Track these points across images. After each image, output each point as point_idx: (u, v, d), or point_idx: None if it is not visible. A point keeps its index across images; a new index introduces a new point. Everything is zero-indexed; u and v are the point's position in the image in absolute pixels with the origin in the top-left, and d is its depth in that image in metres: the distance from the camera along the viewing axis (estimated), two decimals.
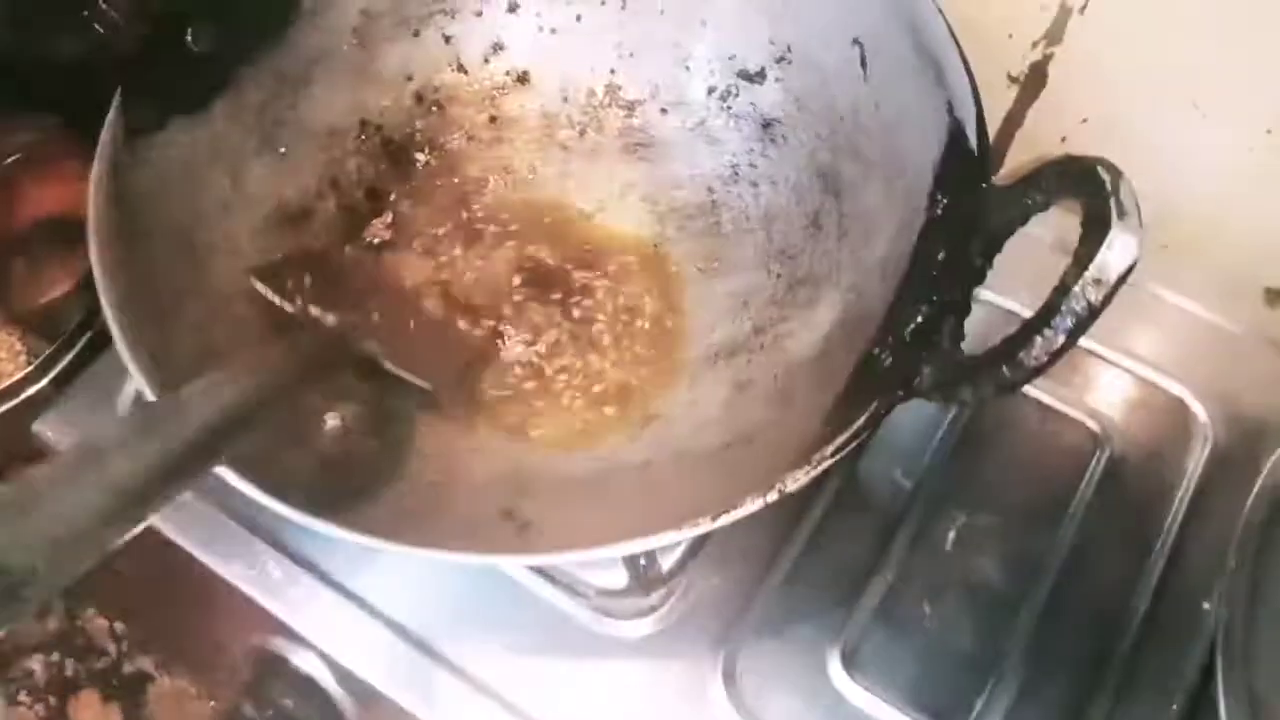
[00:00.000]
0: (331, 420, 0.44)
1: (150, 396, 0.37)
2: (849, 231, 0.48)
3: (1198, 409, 0.54)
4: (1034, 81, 0.60)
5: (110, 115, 0.42)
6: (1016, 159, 0.63)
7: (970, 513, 0.51)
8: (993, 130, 0.63)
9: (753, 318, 0.50)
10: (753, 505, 0.35)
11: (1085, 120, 0.59)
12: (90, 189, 0.41)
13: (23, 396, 0.65)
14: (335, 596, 0.49)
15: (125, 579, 0.66)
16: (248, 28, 0.48)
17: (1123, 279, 0.32)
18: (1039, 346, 0.32)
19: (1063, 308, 0.32)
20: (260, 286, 0.46)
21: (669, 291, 0.53)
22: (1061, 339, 0.32)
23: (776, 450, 0.40)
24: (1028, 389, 0.55)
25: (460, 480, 0.45)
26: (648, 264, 0.54)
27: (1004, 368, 0.33)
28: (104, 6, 0.48)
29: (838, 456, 0.35)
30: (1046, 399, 0.55)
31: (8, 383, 0.72)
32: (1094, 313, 0.32)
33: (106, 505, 0.29)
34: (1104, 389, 0.56)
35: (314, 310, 0.45)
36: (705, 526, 0.35)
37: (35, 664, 0.72)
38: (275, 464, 0.37)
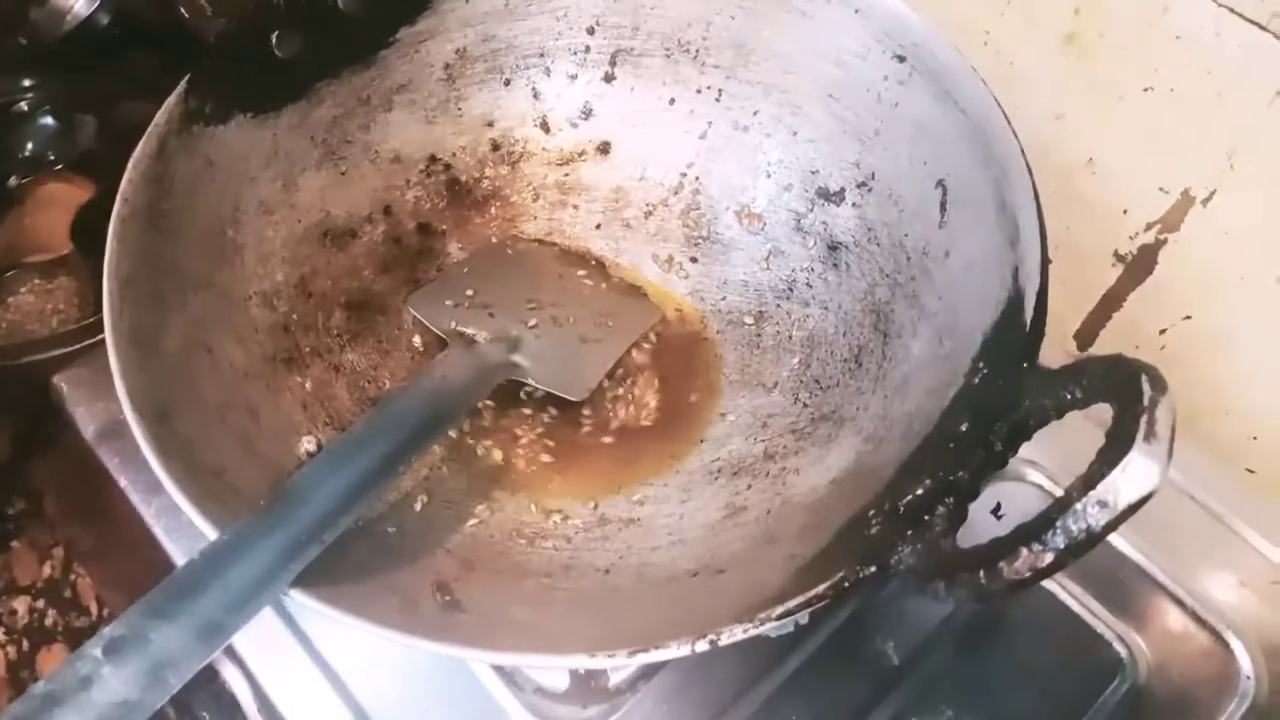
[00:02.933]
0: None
1: (115, 369, 0.36)
2: (887, 377, 0.45)
3: (1244, 661, 0.48)
4: (1141, 265, 0.55)
5: (170, 98, 0.42)
6: (1108, 342, 0.59)
7: (958, 711, 0.46)
8: (1088, 307, 0.59)
9: (767, 441, 0.47)
10: (679, 650, 0.32)
11: (1189, 317, 0.54)
12: (130, 163, 0.41)
13: (80, 346, 0.66)
14: (278, 623, 0.48)
15: (112, 553, 0.66)
16: (337, 45, 0.48)
17: (1134, 508, 0.27)
18: (1023, 560, 0.28)
19: (1058, 524, 0.28)
20: (414, 312, 0.49)
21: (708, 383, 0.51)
22: (1049, 558, 0.28)
23: (739, 592, 0.36)
24: (1060, 592, 0.50)
25: (421, 533, 0.42)
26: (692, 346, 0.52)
27: (981, 573, 0.29)
28: None
29: (783, 620, 0.32)
30: (1076, 607, 0.50)
31: (70, 328, 0.74)
32: (1092, 538, 0.27)
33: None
34: (1144, 612, 0.50)
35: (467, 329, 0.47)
36: (620, 660, 0.32)
37: (20, 605, 0.73)
38: None
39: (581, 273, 0.53)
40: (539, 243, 0.54)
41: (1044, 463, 0.53)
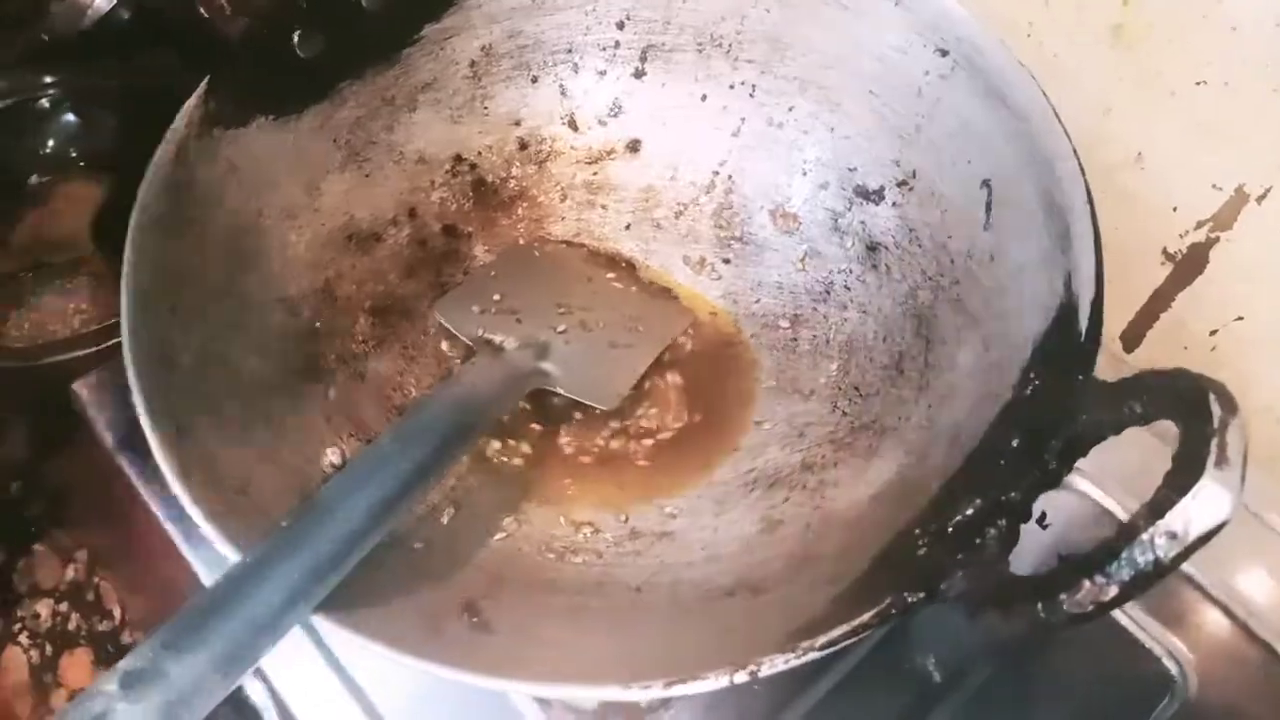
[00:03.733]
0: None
1: (134, 384, 0.35)
2: (930, 385, 0.43)
3: None
4: (1191, 264, 0.53)
5: (190, 101, 0.41)
6: (1155, 343, 0.57)
7: None
8: (1135, 307, 0.57)
9: (805, 451, 0.45)
10: (717, 681, 0.30)
11: (1240, 318, 0.52)
12: (149, 169, 0.40)
13: (103, 346, 0.65)
14: (300, 634, 0.47)
15: (134, 558, 0.66)
16: (361, 43, 0.47)
17: (1204, 539, 0.26)
18: (1085, 592, 0.27)
19: (1124, 555, 0.26)
20: (441, 318, 0.48)
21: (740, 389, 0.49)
22: (1114, 591, 0.26)
23: (778, 616, 0.35)
24: None
25: (449, 547, 0.41)
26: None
27: (1039, 605, 0.27)
28: None
29: (828, 650, 0.30)
30: (1124, 620, 0.48)
31: (91, 329, 0.73)
32: (1160, 570, 0.26)
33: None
34: (1193, 625, 0.48)
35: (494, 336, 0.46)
36: (655, 692, 0.30)
37: (43, 608, 0.73)
38: None
39: (611, 275, 0.52)
40: (567, 244, 0.53)
41: (1087, 468, 0.51)
